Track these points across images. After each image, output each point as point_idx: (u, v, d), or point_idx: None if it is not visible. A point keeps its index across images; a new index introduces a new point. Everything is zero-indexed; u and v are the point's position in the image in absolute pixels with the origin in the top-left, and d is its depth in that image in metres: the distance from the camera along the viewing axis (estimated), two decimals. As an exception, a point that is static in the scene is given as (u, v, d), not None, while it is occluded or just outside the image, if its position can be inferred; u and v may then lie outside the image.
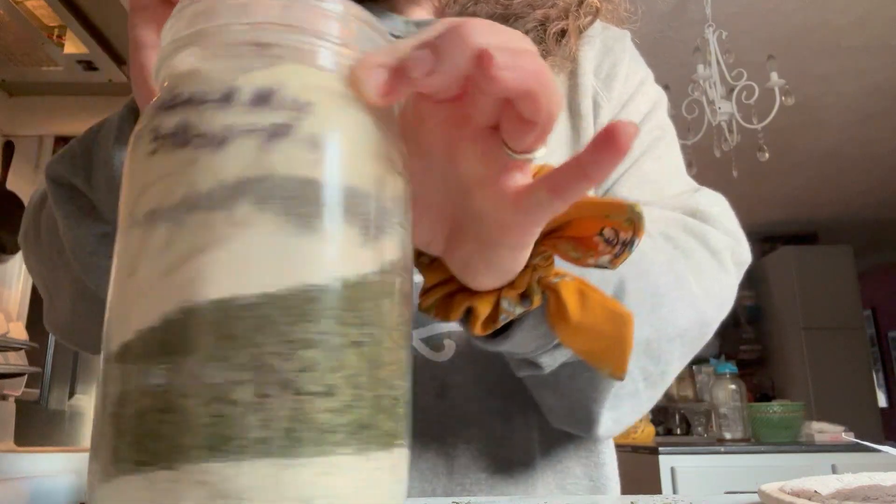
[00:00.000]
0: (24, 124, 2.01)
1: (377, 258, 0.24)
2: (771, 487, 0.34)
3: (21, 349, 1.57)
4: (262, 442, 0.21)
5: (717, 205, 0.56)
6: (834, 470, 2.17)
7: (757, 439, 2.39)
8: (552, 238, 0.32)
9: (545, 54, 0.56)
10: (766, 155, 2.58)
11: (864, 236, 5.40)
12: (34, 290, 1.93)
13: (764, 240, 5.22)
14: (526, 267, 0.33)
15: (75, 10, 1.67)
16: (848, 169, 4.27)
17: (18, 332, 1.62)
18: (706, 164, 2.71)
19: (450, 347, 0.53)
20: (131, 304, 0.22)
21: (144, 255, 0.22)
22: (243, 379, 0.21)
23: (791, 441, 2.34)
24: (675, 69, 2.94)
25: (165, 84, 0.26)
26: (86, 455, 0.39)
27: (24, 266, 1.94)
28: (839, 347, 4.71)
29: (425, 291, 0.35)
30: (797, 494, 0.32)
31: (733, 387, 2.40)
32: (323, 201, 0.23)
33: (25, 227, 0.56)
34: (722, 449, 2.25)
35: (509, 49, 0.24)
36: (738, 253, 0.55)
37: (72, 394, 2.18)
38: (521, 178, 0.28)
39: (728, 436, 2.38)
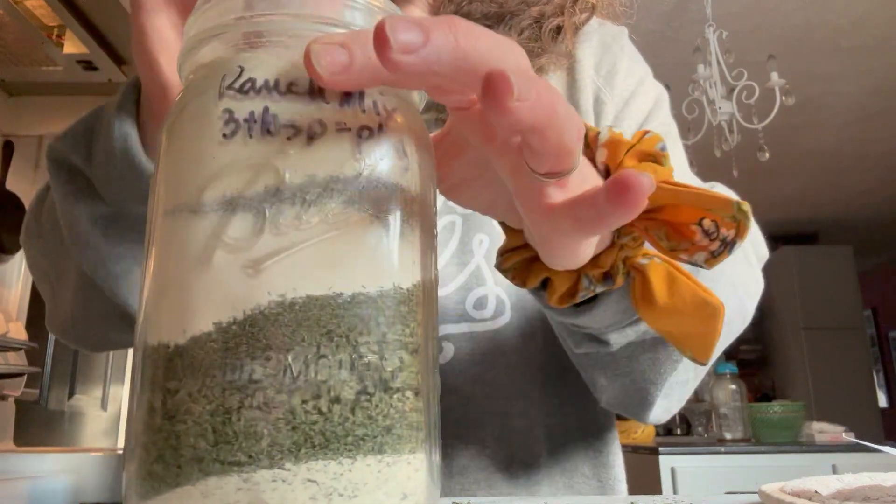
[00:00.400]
0: (24, 124, 2.02)
1: (434, 264, 0.26)
2: (771, 488, 0.34)
3: (21, 349, 1.57)
4: (368, 439, 0.21)
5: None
6: (834, 470, 2.17)
7: (757, 439, 2.39)
8: (645, 219, 0.30)
9: (541, 52, 0.56)
10: (766, 155, 2.58)
11: (864, 236, 5.40)
12: (34, 290, 1.93)
13: (764, 240, 5.22)
14: (612, 245, 0.31)
15: (75, 10, 1.67)
16: (848, 169, 4.27)
17: (18, 332, 1.62)
18: (706, 164, 2.71)
19: (448, 350, 0.53)
20: (204, 294, 0.21)
21: (221, 244, 0.21)
22: (346, 378, 0.21)
23: (791, 441, 2.34)
24: (675, 69, 2.94)
25: (213, 65, 0.24)
26: (86, 455, 0.38)
27: (24, 266, 1.93)
28: (839, 347, 4.71)
29: (505, 252, 0.33)
30: (797, 495, 0.32)
31: (733, 387, 2.39)
32: (406, 206, 0.24)
33: (27, 221, 0.56)
34: (722, 449, 2.25)
35: (524, 75, 0.21)
36: (757, 248, 0.55)
37: (71, 394, 2.18)
38: (557, 194, 0.25)
39: (728, 436, 2.37)
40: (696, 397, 3.05)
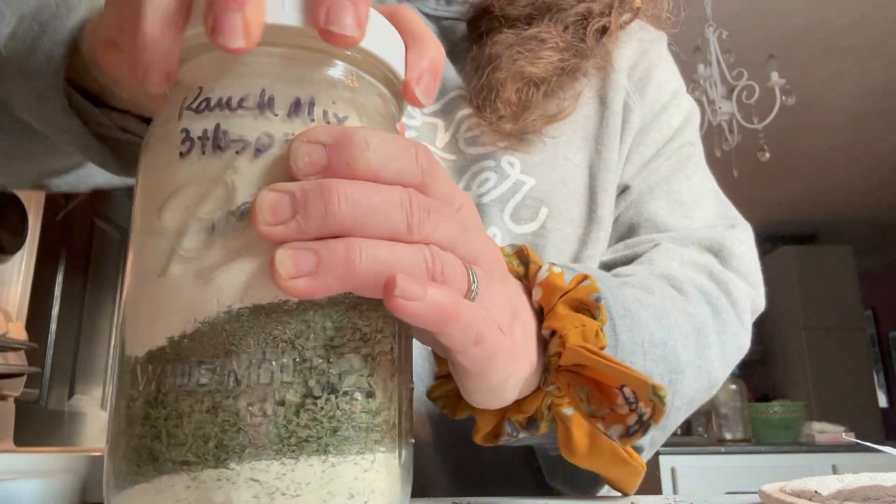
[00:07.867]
0: (24, 124, 2.01)
1: None
2: (771, 488, 0.34)
3: (20, 349, 1.57)
4: (311, 441, 0.22)
5: (743, 243, 0.55)
6: (834, 470, 2.17)
7: (757, 440, 2.39)
8: (570, 373, 0.30)
9: (587, 54, 0.55)
10: (767, 155, 2.59)
11: (864, 236, 5.40)
12: (34, 290, 1.93)
13: (764, 240, 5.21)
14: (537, 390, 0.32)
15: (75, 10, 1.67)
16: (848, 169, 4.27)
17: (18, 332, 1.62)
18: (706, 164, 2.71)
19: None
20: (162, 305, 0.22)
21: (177, 257, 0.22)
22: (290, 380, 0.22)
23: (791, 441, 2.34)
24: (675, 69, 2.94)
25: (183, 86, 0.25)
26: (86, 455, 0.39)
27: (24, 266, 1.93)
28: (839, 347, 4.71)
29: (436, 378, 0.34)
30: (798, 495, 0.32)
31: (734, 387, 2.40)
32: None
33: None
34: (722, 449, 2.25)
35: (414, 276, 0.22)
36: (756, 303, 0.55)
37: (71, 394, 2.18)
38: None
39: (728, 436, 2.38)
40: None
